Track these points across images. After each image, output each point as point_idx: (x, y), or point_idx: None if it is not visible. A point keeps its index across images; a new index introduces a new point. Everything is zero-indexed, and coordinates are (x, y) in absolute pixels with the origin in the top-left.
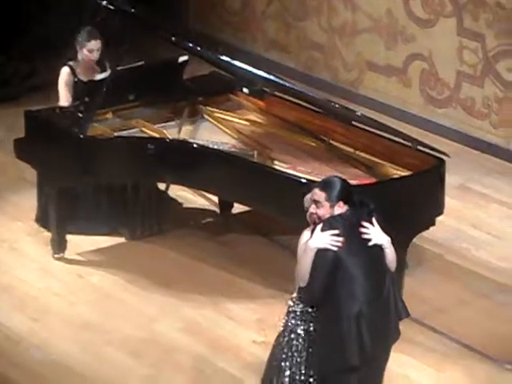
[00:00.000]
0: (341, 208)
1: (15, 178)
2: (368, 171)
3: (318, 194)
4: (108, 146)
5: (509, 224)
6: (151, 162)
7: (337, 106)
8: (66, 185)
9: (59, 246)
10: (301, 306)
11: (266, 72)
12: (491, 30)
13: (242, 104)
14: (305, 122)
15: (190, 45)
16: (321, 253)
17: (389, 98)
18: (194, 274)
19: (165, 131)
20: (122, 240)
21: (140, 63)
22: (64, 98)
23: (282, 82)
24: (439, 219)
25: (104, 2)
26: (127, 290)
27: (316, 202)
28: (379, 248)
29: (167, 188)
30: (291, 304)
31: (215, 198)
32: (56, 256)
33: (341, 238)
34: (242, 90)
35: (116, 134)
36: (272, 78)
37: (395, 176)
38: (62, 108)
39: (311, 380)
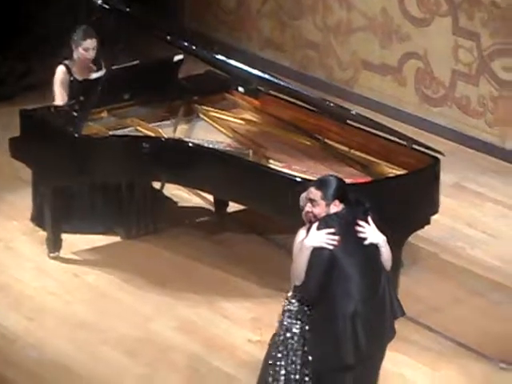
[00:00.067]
0: (336, 207)
1: (10, 177)
2: (363, 170)
3: (314, 192)
4: (103, 145)
5: (504, 223)
6: (146, 161)
7: (332, 104)
8: (61, 184)
9: (54, 245)
10: (296, 304)
11: (261, 71)
12: (486, 29)
13: (238, 103)
14: (300, 120)
15: (186, 44)
16: (316, 251)
17: (384, 96)
18: (190, 272)
19: (160, 130)
20: (117, 239)
21: (135, 62)
22: (59, 97)
23: (277, 80)
24: (434, 218)
25: (99, 1)
26: (123, 289)
27: (312, 200)
28: (375, 247)
29: (162, 187)
30: (287, 303)
31: (210, 197)
32: (51, 255)
33: (336, 237)
34: (237, 89)
35: (111, 132)
36: (267, 76)
37: (390, 175)
38: (57, 107)
39: (306, 379)
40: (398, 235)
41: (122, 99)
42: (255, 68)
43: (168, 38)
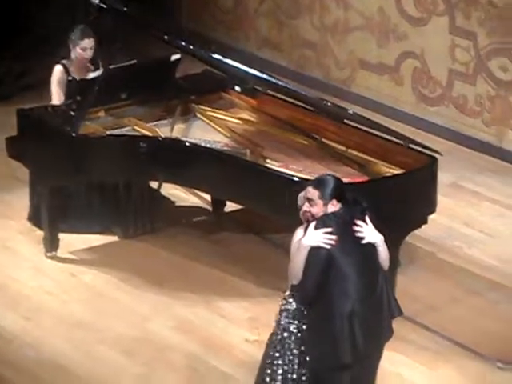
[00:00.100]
0: (334, 206)
1: (7, 177)
2: (360, 169)
3: (312, 192)
4: (100, 144)
5: (501, 222)
6: (143, 161)
7: (329, 104)
8: (58, 183)
9: (52, 244)
10: (294, 304)
11: (258, 70)
12: (483, 29)
13: (235, 102)
14: (297, 120)
15: (183, 43)
16: (314, 251)
17: (381, 96)
18: (187, 272)
19: (157, 130)
20: (114, 239)
21: (132, 62)
22: (56, 97)
23: (274, 80)
24: (431, 217)
25: (97, 1)
26: (120, 289)
27: (309, 200)
28: (372, 246)
29: (159, 186)
30: (284, 302)
31: (208, 197)
32: (48, 255)
33: (334, 236)
34: (234, 89)
35: (108, 132)
36: (264, 76)
37: (387, 174)
38: (54, 106)
39: (304, 378)
40: (395, 234)
41: (120, 99)
42: (252, 67)
43: (165, 37)
